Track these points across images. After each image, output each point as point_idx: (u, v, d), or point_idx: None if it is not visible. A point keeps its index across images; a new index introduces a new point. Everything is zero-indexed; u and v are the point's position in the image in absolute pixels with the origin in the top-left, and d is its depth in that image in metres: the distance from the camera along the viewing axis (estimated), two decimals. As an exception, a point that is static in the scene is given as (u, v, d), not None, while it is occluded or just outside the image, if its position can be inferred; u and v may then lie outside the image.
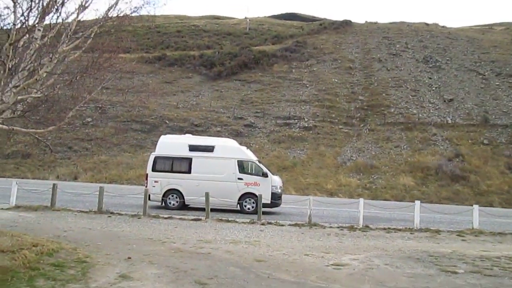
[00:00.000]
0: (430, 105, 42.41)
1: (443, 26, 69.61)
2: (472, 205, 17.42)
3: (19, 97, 8.12)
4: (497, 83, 45.90)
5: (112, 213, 15.42)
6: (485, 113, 39.63)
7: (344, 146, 36.65)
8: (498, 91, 44.32)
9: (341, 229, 14.42)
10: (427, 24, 68.89)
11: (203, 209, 15.91)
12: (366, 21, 72.40)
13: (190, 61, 54.27)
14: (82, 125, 38.29)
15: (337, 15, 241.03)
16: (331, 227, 14.87)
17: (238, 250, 10.25)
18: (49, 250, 8.51)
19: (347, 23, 67.93)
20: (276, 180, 18.32)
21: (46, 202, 16.38)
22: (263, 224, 14.73)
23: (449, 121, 39.40)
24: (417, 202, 16.21)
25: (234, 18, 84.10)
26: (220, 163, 17.85)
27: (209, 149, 18.28)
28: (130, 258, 8.78)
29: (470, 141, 36.04)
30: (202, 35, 66.41)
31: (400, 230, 14.81)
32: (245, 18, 78.79)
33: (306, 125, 39.77)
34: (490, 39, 60.38)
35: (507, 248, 12.36)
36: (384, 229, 14.82)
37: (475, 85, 45.98)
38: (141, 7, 10.01)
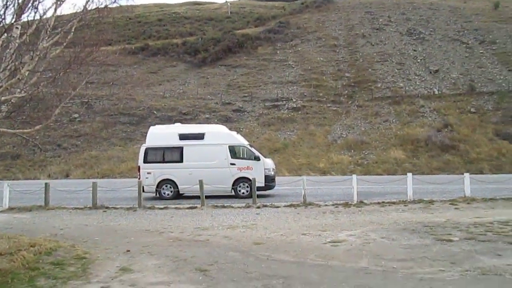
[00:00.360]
0: (416, 77, 42.59)
1: (424, -3, 69.43)
2: (463, 174, 17.67)
3: (2, 98, 7.99)
4: (481, 51, 46.15)
5: (107, 207, 15.37)
6: (471, 82, 39.94)
7: (334, 124, 36.78)
8: (482, 59, 44.59)
9: (336, 207, 14.56)
10: (408, -4, 68.66)
11: (198, 197, 15.92)
12: (347, -3, 71.91)
13: (173, 50, 53.72)
14: (70, 122, 37.92)
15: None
16: (326, 205, 14.99)
17: (236, 235, 10.33)
18: (47, 249, 8.49)
19: (329, 1, 67.45)
20: (268, 163, 18.37)
21: (39, 201, 16.27)
22: (258, 207, 14.82)
23: (436, 92, 39.66)
24: (409, 175, 16.40)
25: (214, 3, 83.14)
26: (212, 150, 17.82)
27: (200, 136, 18.22)
28: (129, 251, 8.80)
29: (457, 110, 36.37)
30: (183, 22, 65.63)
31: (394, 203, 14.99)
32: (226, 2, 77.86)
33: (295, 106, 39.77)
34: (472, 7, 60.45)
35: (499, 213, 12.61)
36: (379, 203, 14.99)
37: (459, 54, 46.20)
38: (119, -3, 9.83)
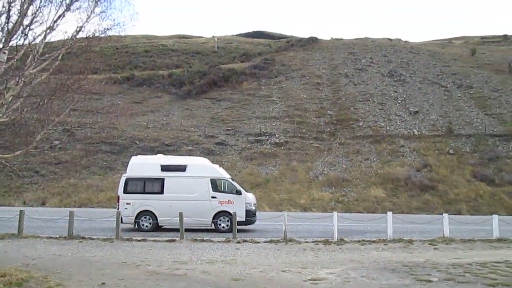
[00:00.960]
0: (397, 117, 43.51)
1: (405, 41, 72.03)
2: (441, 214, 17.86)
3: (-16, 122, 7.89)
4: (459, 95, 47.63)
5: (83, 238, 15.00)
6: (449, 124, 40.95)
7: (316, 160, 37.02)
8: (460, 102, 45.96)
9: (317, 244, 14.49)
10: (390, 40, 71.16)
11: (177, 230, 15.69)
12: (331, 38, 74.19)
13: (159, 81, 53.95)
14: (50, 149, 37.24)
15: (303, 32, 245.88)
16: (306, 242, 14.91)
17: (215, 270, 10.14)
18: (18, 280, 8.20)
19: (313, 40, 69.37)
20: (250, 197, 18.29)
21: (13, 229, 15.79)
22: (238, 242, 14.65)
23: (416, 133, 40.49)
24: (389, 213, 16.50)
25: (202, 37, 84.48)
26: (193, 182, 17.71)
27: (181, 168, 18.12)
28: (104, 283, 8.55)
29: (436, 151, 37.08)
30: (170, 54, 66.32)
31: (374, 241, 15.01)
32: (213, 36, 79.29)
33: (277, 141, 40.02)
34: (450, 53, 62.85)
35: (478, 254, 12.71)
36: (359, 241, 14.99)
37: (438, 97, 47.55)
38: (110, 29, 9.95)
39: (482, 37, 76.10)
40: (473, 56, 60.12)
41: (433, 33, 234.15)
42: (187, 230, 15.74)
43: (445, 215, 16.80)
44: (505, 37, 74.77)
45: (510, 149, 36.56)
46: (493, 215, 16.81)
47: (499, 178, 32.18)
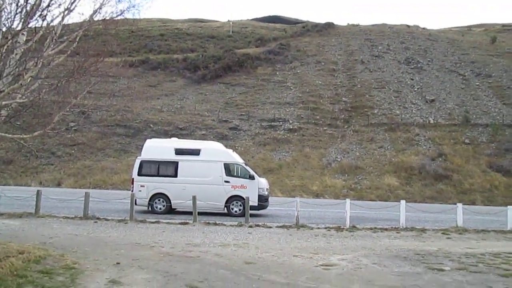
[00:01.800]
0: (413, 105, 43.02)
1: (423, 28, 70.77)
2: (455, 204, 17.73)
3: (3, 103, 8.00)
4: (477, 84, 46.82)
5: (98, 218, 15.26)
6: (466, 113, 40.36)
7: (329, 147, 36.91)
8: (478, 91, 45.19)
9: (329, 230, 14.53)
10: (408, 26, 69.96)
11: (190, 213, 15.85)
12: (348, 23, 73.33)
13: (173, 65, 54.08)
14: (66, 130, 37.74)
15: (319, 18, 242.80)
16: (318, 228, 14.96)
17: (227, 253, 10.26)
18: (36, 257, 8.40)
19: (329, 26, 68.60)
20: (262, 183, 18.35)
21: (30, 208, 16.12)
22: (251, 226, 14.76)
23: (431, 121, 40.01)
24: (402, 202, 16.42)
25: (217, 21, 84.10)
26: (207, 166, 17.80)
27: (195, 152, 18.23)
28: (119, 263, 8.71)
29: (452, 140, 36.64)
30: (185, 38, 66.23)
31: (386, 229, 14.99)
32: (228, 21, 78.83)
33: (291, 127, 39.94)
34: (470, 40, 61.59)
35: (491, 245, 12.64)
36: (371, 229, 14.99)
37: (455, 85, 46.81)
38: (126, 10, 9.95)
39: (503, 25, 74.27)
40: (493, 44, 58.83)
41: (453, 20, 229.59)
42: (200, 213, 15.88)
43: (459, 205, 16.67)
44: (527, 25, 72.94)
45: (528, 139, 35.95)
46: (508, 206, 16.61)
47: (516, 169, 31.74)
